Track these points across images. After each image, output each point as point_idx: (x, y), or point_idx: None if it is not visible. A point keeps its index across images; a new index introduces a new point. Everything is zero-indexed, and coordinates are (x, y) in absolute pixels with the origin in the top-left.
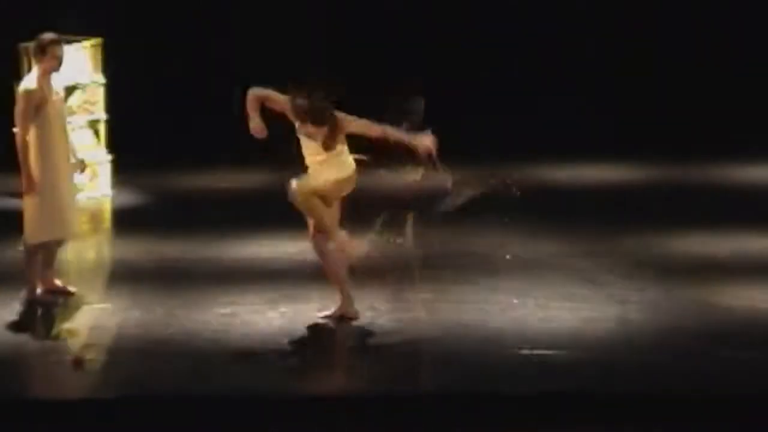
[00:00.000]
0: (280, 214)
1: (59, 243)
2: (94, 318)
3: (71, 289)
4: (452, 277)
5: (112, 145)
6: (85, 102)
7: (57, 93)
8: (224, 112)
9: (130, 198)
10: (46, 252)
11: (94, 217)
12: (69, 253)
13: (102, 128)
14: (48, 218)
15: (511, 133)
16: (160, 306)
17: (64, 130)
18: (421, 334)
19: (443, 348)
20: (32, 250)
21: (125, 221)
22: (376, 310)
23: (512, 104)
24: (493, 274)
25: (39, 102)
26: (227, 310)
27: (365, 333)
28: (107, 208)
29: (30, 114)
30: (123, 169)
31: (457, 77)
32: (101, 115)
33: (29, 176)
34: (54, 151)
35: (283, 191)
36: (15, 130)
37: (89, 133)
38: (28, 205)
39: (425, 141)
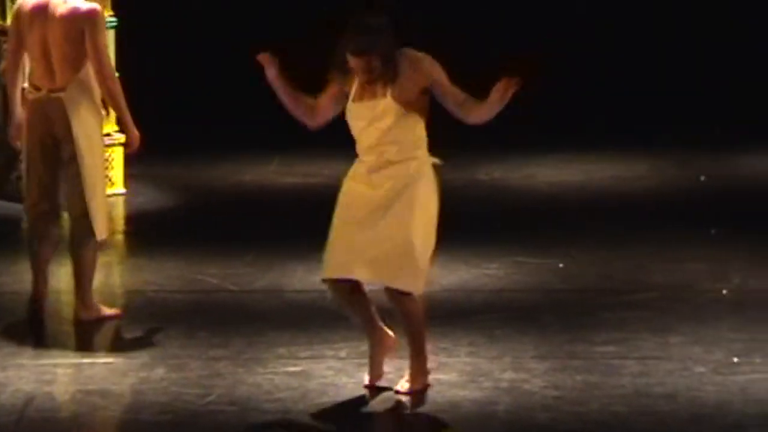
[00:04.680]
0: None
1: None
2: (99, 379)
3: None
4: (639, 322)
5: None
6: None
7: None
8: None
9: (151, 198)
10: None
11: None
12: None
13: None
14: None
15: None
16: (194, 359)
17: None
18: (591, 412)
19: None
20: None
21: (144, 233)
22: (527, 371)
23: None
24: (699, 319)
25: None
26: (296, 368)
27: (501, 410)
28: (119, 213)
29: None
30: (141, 157)
31: None
32: None
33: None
34: None
35: None
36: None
37: None
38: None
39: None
